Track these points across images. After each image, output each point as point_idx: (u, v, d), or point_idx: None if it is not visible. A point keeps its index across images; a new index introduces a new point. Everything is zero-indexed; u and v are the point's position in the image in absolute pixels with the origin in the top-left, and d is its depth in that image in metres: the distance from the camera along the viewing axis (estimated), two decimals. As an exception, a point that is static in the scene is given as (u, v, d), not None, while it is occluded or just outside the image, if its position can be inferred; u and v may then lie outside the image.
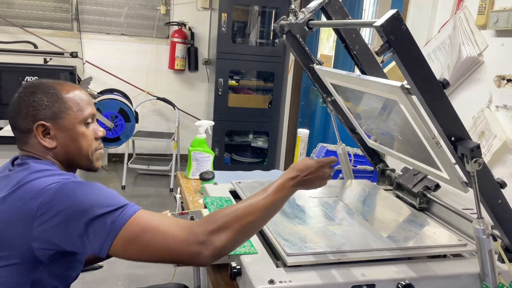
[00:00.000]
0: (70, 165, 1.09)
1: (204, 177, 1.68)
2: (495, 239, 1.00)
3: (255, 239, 1.12)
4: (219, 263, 1.12)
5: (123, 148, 3.83)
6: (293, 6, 1.25)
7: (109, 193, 0.94)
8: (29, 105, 1.02)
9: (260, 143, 4.11)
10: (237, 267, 1.02)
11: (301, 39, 1.49)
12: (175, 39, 4.20)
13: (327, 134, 3.27)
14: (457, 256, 1.16)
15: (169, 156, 4.28)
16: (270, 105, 3.96)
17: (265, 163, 4.05)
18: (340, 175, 1.78)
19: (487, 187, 1.01)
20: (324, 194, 1.44)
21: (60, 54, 3.28)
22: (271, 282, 0.93)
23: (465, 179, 1.07)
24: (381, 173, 1.65)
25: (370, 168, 1.83)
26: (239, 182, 1.47)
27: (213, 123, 1.91)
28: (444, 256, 1.15)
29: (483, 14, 1.54)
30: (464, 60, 1.60)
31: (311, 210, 1.31)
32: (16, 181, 0.94)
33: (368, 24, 0.89)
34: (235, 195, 1.43)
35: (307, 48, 1.49)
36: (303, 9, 1.24)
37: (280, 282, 0.94)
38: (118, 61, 4.19)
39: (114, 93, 3.25)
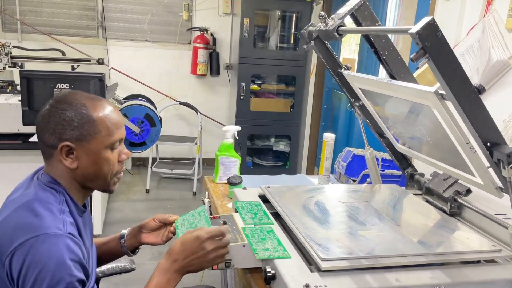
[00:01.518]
0: (85, 186, 1.06)
1: (232, 182, 1.70)
2: (532, 245, 0.99)
3: (287, 244, 1.14)
4: (251, 267, 1.14)
5: (147, 152, 3.89)
6: (322, 13, 1.26)
7: (72, 277, 0.88)
8: (58, 122, 0.98)
9: (282, 147, 4.12)
10: (272, 271, 1.04)
11: (329, 45, 1.50)
12: (197, 45, 4.25)
13: (351, 138, 3.26)
14: (491, 261, 1.15)
15: (192, 160, 4.33)
16: (292, 109, 3.97)
17: (286, 167, 4.06)
18: (368, 179, 1.77)
19: (523, 192, 1.00)
20: (353, 199, 1.44)
21: (87, 61, 3.36)
22: (307, 286, 0.94)
23: (499, 184, 1.06)
24: (410, 178, 1.64)
25: (398, 172, 1.82)
26: (268, 187, 1.49)
27: (239, 128, 1.93)
28: (478, 262, 1.14)
29: (513, 17, 1.52)
30: (494, 64, 1.58)
31: (341, 215, 1.32)
32: (19, 203, 0.95)
33: (403, 31, 0.90)
34: (263, 199, 1.45)
35: (335, 54, 1.50)
36: (333, 15, 1.26)
37: (316, 286, 0.95)
38: (142, 67, 4.27)
39: (139, 98, 3.32)
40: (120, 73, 4.17)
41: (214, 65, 4.38)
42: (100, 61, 3.33)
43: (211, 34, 4.35)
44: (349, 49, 3.88)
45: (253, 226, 1.24)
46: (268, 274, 1.03)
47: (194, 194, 3.93)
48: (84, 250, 0.96)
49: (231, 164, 1.89)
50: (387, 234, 1.20)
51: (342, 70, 1.49)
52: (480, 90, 0.93)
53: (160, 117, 3.45)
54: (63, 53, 3.47)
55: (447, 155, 1.22)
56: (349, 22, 1.36)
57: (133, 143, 2.95)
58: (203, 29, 4.28)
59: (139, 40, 4.31)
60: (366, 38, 1.32)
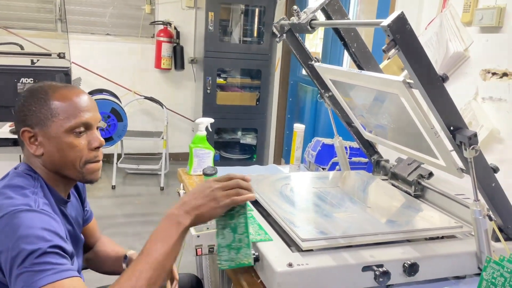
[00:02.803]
0: (59, 174, 1.04)
1: (207, 173, 1.71)
2: (490, 219, 1.10)
3: (267, 228, 1.19)
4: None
5: (112, 148, 3.83)
6: (295, 7, 1.31)
7: (48, 242, 0.85)
8: (20, 109, 1.00)
9: (249, 139, 4.18)
10: (255, 253, 1.09)
11: (300, 38, 1.56)
12: (161, 38, 4.21)
13: (317, 129, 3.36)
14: (453, 237, 1.25)
15: (157, 155, 4.30)
16: (258, 102, 4.03)
17: (254, 159, 4.12)
18: (337, 167, 1.86)
19: (482, 172, 1.10)
20: (325, 185, 1.52)
21: (48, 55, 3.26)
22: (290, 265, 1.00)
23: (461, 165, 1.16)
24: (376, 164, 1.74)
25: (365, 160, 1.91)
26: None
27: (212, 120, 1.96)
28: (442, 237, 1.24)
29: (468, 12, 1.64)
30: (451, 56, 1.70)
31: (316, 199, 1.39)
32: None
33: (375, 24, 0.96)
34: (240, 188, 1.49)
35: (306, 46, 1.56)
36: (305, 9, 1.31)
37: (298, 265, 1.01)
38: (103, 61, 4.18)
39: (104, 93, 3.26)
40: (82, 67, 4.07)
41: (178, 59, 4.35)
42: (61, 55, 3.23)
43: (175, 28, 4.32)
44: (313, 43, 3.98)
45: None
46: (253, 255, 1.08)
47: (162, 189, 3.92)
48: (62, 228, 0.93)
49: (205, 155, 1.92)
50: (360, 215, 1.28)
51: (313, 62, 1.55)
52: (444, 78, 1.01)
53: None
54: (21, 47, 3.35)
55: (412, 140, 1.31)
56: (319, 16, 1.42)
57: (100, 138, 2.90)
58: (166, 22, 4.24)
59: (100, 34, 4.21)
60: (336, 31, 1.39)
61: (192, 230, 1.18)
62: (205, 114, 3.81)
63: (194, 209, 0.92)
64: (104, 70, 4.17)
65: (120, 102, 3.32)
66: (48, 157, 1.00)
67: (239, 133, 4.25)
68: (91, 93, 3.20)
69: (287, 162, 2.56)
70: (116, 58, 4.24)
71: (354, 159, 1.92)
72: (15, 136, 2.27)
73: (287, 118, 3.98)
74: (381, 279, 1.03)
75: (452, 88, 1.77)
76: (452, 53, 1.69)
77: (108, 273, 1.33)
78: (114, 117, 2.90)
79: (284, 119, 4.00)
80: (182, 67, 4.42)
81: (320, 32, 3.65)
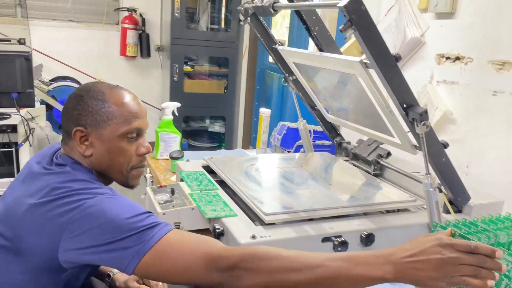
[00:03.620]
0: (104, 176, 1.03)
1: (174, 156, 1.75)
2: (440, 191, 1.17)
3: (232, 205, 1.23)
4: (200, 228, 1.22)
5: (77, 137, 3.75)
6: (258, -10, 1.34)
7: (142, 211, 0.88)
8: (75, 108, 0.98)
9: (217, 127, 4.19)
10: (220, 228, 1.12)
11: (264, 22, 1.59)
12: (126, 25, 4.13)
13: (284, 115, 3.42)
14: (407, 210, 1.33)
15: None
16: (226, 90, 4.04)
17: (222, 147, 4.14)
18: (302, 149, 1.91)
19: (433, 148, 1.17)
20: (290, 165, 1.56)
21: (7, 41, 3.15)
22: (253, 237, 1.04)
23: (414, 142, 1.23)
24: (338, 146, 1.80)
25: (328, 142, 1.97)
26: (211, 158, 1.56)
27: (179, 104, 1.97)
28: (398, 210, 1.32)
29: (424, -1, 1.72)
30: (408, 41, 1.78)
31: (280, 178, 1.44)
32: (51, 187, 0.90)
33: (332, 5, 1.01)
34: (207, 170, 1.52)
35: (270, 30, 1.60)
36: (268, -8, 1.34)
37: (261, 237, 1.05)
38: (66, 48, 4.06)
39: (67, 80, 3.19)
40: (43, 54, 3.94)
41: (144, 47, 4.28)
42: (21, 41, 3.13)
43: (140, 15, 4.25)
44: (281, 32, 4.02)
45: (199, 192, 1.31)
46: (217, 231, 1.11)
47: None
48: None
49: (172, 140, 1.94)
50: (321, 191, 1.33)
51: (277, 45, 1.59)
52: (397, 58, 1.07)
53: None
54: (-22, 32, 3.22)
55: (370, 121, 1.37)
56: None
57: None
58: (131, 9, 4.16)
59: (63, 20, 4.09)
60: (299, 15, 1.43)
61: (157, 207, 1.20)
62: (172, 101, 3.78)
63: (409, 269, 0.73)
64: (67, 57, 4.05)
65: (85, 89, 3.26)
66: (96, 159, 0.99)
67: (207, 121, 4.25)
68: (54, 80, 3.12)
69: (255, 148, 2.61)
70: (80, 45, 4.13)
71: (317, 142, 1.98)
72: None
73: (255, 106, 4.01)
74: (339, 249, 1.09)
75: (409, 72, 1.86)
76: (409, 38, 1.77)
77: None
78: (79, 104, 2.85)
79: (252, 107, 4.04)
80: (148, 55, 4.36)
81: (286, 20, 3.69)
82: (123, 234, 0.83)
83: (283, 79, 1.72)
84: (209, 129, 4.24)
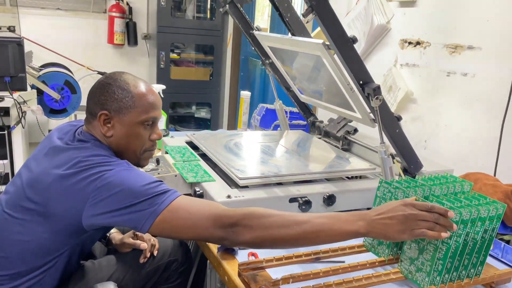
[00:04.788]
0: (118, 156, 1.14)
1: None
2: (393, 158, 1.34)
3: (212, 173, 1.38)
4: (182, 194, 1.36)
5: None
6: (235, -21, 1.48)
7: (154, 180, 1.01)
8: (102, 93, 1.10)
9: (203, 113, 4.32)
10: (200, 191, 1.27)
11: (242, 9, 1.73)
12: (113, 14, 4.22)
13: (266, 98, 3.57)
14: (367, 178, 1.49)
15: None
16: (211, 77, 4.17)
17: (208, 132, 4.28)
18: (279, 128, 2.07)
19: (387, 120, 1.33)
20: (266, 141, 1.72)
21: (-4, 28, 3.24)
22: (229, 197, 1.20)
23: (372, 116, 1.39)
24: (312, 125, 1.96)
25: (303, 122, 2.13)
26: (194, 134, 1.71)
27: (164, 86, 2.10)
28: (360, 177, 1.48)
29: (389, -11, 1.87)
30: (375, 28, 1.93)
31: (256, 151, 1.59)
32: (76, 160, 1.02)
33: (296, -7, 1.15)
34: (190, 146, 1.66)
35: (247, 17, 1.74)
36: (244, -18, 1.48)
37: (235, 197, 1.20)
38: (55, 36, 4.14)
39: (56, 66, 3.29)
40: (32, 42, 4.02)
41: (131, 35, 4.38)
42: (11, 29, 3.24)
43: (127, 3, 4.33)
44: (263, 20, 4.15)
45: (182, 162, 1.46)
46: (197, 193, 1.27)
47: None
48: None
49: (158, 120, 2.07)
50: (292, 161, 1.49)
51: (254, 31, 1.73)
52: (354, 40, 1.22)
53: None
54: (-32, 20, 3.29)
55: (337, 99, 1.52)
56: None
57: (54, 110, 2.96)
58: (118, -2, 4.25)
59: (51, 8, 4.16)
60: (273, 3, 1.56)
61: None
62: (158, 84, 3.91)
63: (378, 224, 0.88)
64: (56, 45, 4.13)
65: (74, 76, 3.36)
66: (115, 139, 1.12)
67: (194, 107, 4.38)
68: (44, 66, 3.21)
69: (238, 131, 2.72)
70: (68, 33, 4.21)
71: (293, 122, 2.14)
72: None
73: (239, 92, 4.15)
74: (303, 207, 1.25)
75: (376, 56, 2.02)
76: (376, 25, 1.92)
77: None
78: (68, 89, 2.95)
79: (237, 93, 4.17)
80: (136, 43, 4.45)
81: (269, 9, 3.82)
82: (139, 199, 0.96)
83: (261, 62, 1.86)
84: (195, 115, 4.37)
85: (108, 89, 1.11)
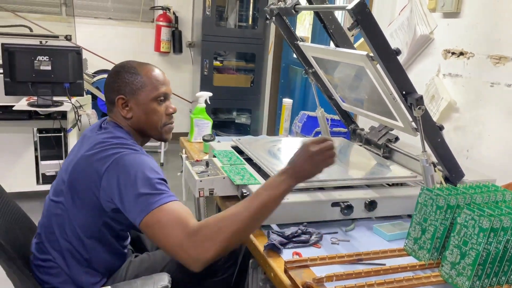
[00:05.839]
0: (143, 134, 1.30)
1: (207, 139, 1.99)
2: (435, 166, 1.37)
3: (256, 175, 1.45)
4: (228, 195, 1.45)
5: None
6: (282, -7, 1.56)
7: (158, 175, 1.11)
8: (115, 81, 1.26)
9: (243, 119, 4.43)
10: (247, 192, 1.35)
11: (287, 20, 1.81)
12: (160, 23, 4.43)
13: (306, 105, 3.63)
14: (408, 185, 1.52)
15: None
16: (252, 84, 4.27)
17: (248, 138, 4.39)
18: (320, 135, 2.12)
19: (429, 129, 1.36)
20: (308, 147, 1.78)
21: (55, 37, 3.48)
22: (274, 199, 1.27)
23: (414, 125, 1.43)
24: (353, 132, 2.00)
25: (344, 130, 2.17)
26: (239, 139, 1.80)
27: (211, 94, 2.21)
28: (401, 184, 1.52)
29: (433, 0, 1.90)
30: (418, 38, 1.96)
31: (298, 157, 1.66)
32: (96, 141, 1.17)
33: (342, 8, 1.22)
34: (237, 150, 1.75)
35: (292, 28, 1.81)
36: (291, -5, 1.56)
37: (280, 199, 1.27)
38: (106, 44, 4.40)
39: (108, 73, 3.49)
40: (85, 50, 4.28)
41: (177, 43, 4.58)
42: (68, 38, 3.46)
43: (174, 13, 4.53)
44: (304, 28, 4.22)
45: (229, 165, 1.54)
46: (244, 194, 1.35)
47: (162, 165, 4.18)
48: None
49: (204, 125, 2.18)
50: (333, 167, 1.53)
51: (298, 42, 1.80)
52: (397, 52, 1.27)
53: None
54: (30, 29, 3.56)
55: (379, 108, 1.57)
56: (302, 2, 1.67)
57: (106, 114, 3.14)
58: (165, 8, 4.46)
59: (103, 18, 4.42)
60: (318, 15, 1.64)
61: (195, 176, 1.44)
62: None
63: (301, 174, 1.08)
64: (107, 53, 4.38)
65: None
66: (136, 119, 1.26)
67: (234, 113, 4.50)
68: (96, 73, 3.42)
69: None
70: (118, 41, 4.46)
71: (334, 129, 2.19)
72: (31, 109, 2.50)
73: (279, 99, 4.23)
74: (345, 211, 1.30)
75: (419, 66, 2.05)
76: (419, 35, 1.95)
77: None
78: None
79: (277, 100, 4.26)
80: (180, 50, 4.64)
81: (310, 18, 3.89)
82: (140, 190, 1.06)
83: (304, 71, 1.93)
84: (236, 121, 4.49)
85: (119, 76, 1.24)
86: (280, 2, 1.59)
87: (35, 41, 3.36)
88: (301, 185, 1.35)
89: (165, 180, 1.15)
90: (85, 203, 1.17)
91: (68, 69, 2.48)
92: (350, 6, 1.17)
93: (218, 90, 4.14)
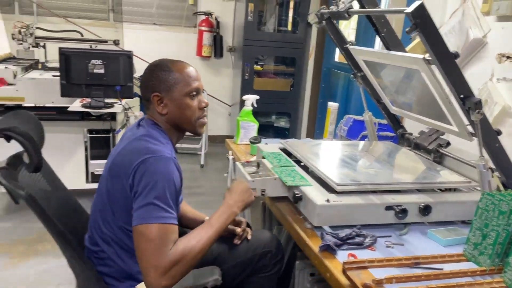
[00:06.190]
0: (178, 128, 1.36)
1: (253, 141, 2.03)
2: (492, 172, 1.34)
3: (307, 177, 1.47)
4: (280, 196, 1.47)
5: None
6: (335, -2, 1.58)
7: (175, 191, 1.21)
8: (150, 79, 1.31)
9: (282, 123, 4.46)
10: (299, 194, 1.37)
11: (337, 24, 1.82)
12: (203, 28, 4.53)
13: (348, 109, 3.61)
14: (462, 191, 1.49)
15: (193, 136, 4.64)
16: (291, 88, 4.29)
17: (286, 142, 4.40)
18: (366, 139, 2.11)
19: (487, 134, 1.34)
20: (356, 150, 1.78)
21: (104, 41, 3.63)
22: (327, 201, 1.28)
23: (470, 130, 1.40)
24: (401, 137, 1.98)
25: (391, 134, 2.15)
26: (287, 141, 1.82)
27: (257, 97, 2.25)
28: (454, 190, 1.49)
29: (487, 3, 1.85)
30: (471, 42, 1.92)
31: (347, 159, 1.66)
32: (131, 139, 1.26)
33: (400, 11, 1.22)
34: (285, 152, 1.77)
35: (342, 32, 1.82)
36: (343, 0, 1.57)
37: (334, 201, 1.28)
38: (150, 49, 4.52)
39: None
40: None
41: (218, 48, 4.66)
42: (116, 42, 3.60)
43: (215, 18, 4.62)
44: (347, 32, 4.21)
45: (279, 167, 1.57)
46: (296, 196, 1.36)
47: (202, 166, 4.25)
48: (181, 175, 1.28)
49: (250, 127, 2.22)
50: (385, 171, 1.54)
51: (348, 45, 1.81)
52: (456, 55, 1.25)
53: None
54: (81, 34, 3.73)
55: (431, 111, 1.55)
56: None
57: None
58: (208, 13, 4.55)
59: (148, 23, 4.56)
60: (369, 19, 1.64)
61: (248, 176, 1.47)
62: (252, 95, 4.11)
63: (242, 203, 1.34)
64: (151, 57, 4.47)
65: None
66: (171, 115, 1.32)
67: (273, 117, 4.53)
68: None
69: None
70: (162, 46, 4.59)
71: (381, 133, 2.17)
72: (83, 110, 2.62)
73: (320, 103, 4.23)
74: (400, 215, 1.29)
75: (471, 70, 2.00)
76: (471, 39, 1.91)
77: (183, 226, 1.62)
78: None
79: (317, 104, 4.25)
80: (221, 55, 4.72)
81: (352, 23, 3.87)
82: (153, 199, 1.15)
83: (352, 75, 1.93)
84: (275, 124, 4.51)
85: (153, 74, 1.30)
86: (332, 7, 1.60)
87: (85, 46, 3.52)
88: (353, 187, 1.36)
89: (177, 198, 1.24)
90: (121, 195, 1.24)
91: (119, 72, 2.58)
92: (409, 9, 1.17)
93: (258, 94, 4.13)
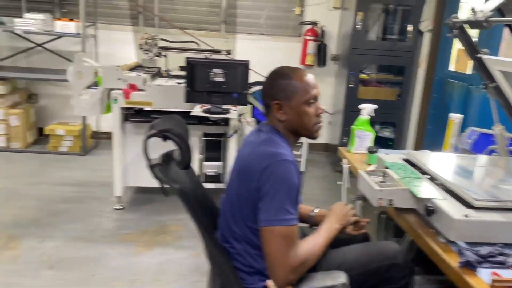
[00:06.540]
0: (295, 133, 1.43)
1: (372, 151, 2.03)
2: None
3: (437, 190, 1.43)
4: (407, 207, 1.44)
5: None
6: (473, 6, 1.52)
7: (297, 192, 1.30)
8: (271, 87, 1.40)
9: (387, 133, 4.34)
10: (432, 207, 1.34)
11: (468, 33, 1.75)
12: (308, 37, 4.60)
13: (466, 121, 3.40)
14: None
15: (298, 143, 4.70)
16: (398, 97, 4.16)
17: (390, 153, 4.27)
18: (494, 154, 1.99)
19: None
20: (487, 164, 1.69)
21: (218, 51, 3.86)
22: (466, 216, 1.24)
23: None
24: (535, 153, 1.83)
25: (524, 150, 2.00)
26: (409, 152, 1.78)
27: (376, 106, 2.24)
28: None
29: None
30: None
31: (480, 174, 1.58)
32: (253, 143, 1.36)
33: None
34: (409, 163, 1.73)
35: (473, 41, 1.75)
36: (481, 8, 1.52)
37: (474, 217, 1.24)
38: (257, 58, 4.69)
39: (261, 84, 3.74)
40: (238, 63, 4.66)
41: (321, 56, 4.69)
42: (229, 52, 3.81)
43: (321, 28, 4.67)
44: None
45: (407, 178, 1.55)
46: (429, 208, 1.33)
47: (301, 173, 4.31)
48: (300, 177, 1.35)
49: (365, 136, 2.22)
50: (525, 189, 1.44)
51: (481, 55, 1.73)
52: None
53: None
54: (198, 45, 4.01)
55: None
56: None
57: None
58: (313, 22, 4.61)
59: (256, 33, 4.76)
60: (509, 27, 1.56)
61: (375, 186, 1.48)
62: (347, 107, 4.08)
63: (339, 220, 1.44)
64: (259, 66, 4.68)
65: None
66: (289, 122, 1.39)
67: (377, 126, 4.43)
68: (252, 84, 3.69)
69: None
70: (268, 55, 4.74)
71: None
72: (202, 114, 2.81)
73: (430, 113, 4.04)
74: (546, 237, 1.21)
75: None
76: None
77: None
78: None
79: (426, 115, 4.07)
80: (324, 63, 4.75)
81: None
82: (280, 201, 1.25)
83: (483, 85, 1.84)
84: (378, 134, 4.41)
85: (273, 83, 1.37)
86: (469, 15, 1.55)
87: (201, 55, 3.78)
88: (493, 204, 1.30)
89: (297, 200, 1.32)
90: (249, 196, 1.31)
91: (237, 81, 2.74)
92: None
93: (363, 102, 4.10)
